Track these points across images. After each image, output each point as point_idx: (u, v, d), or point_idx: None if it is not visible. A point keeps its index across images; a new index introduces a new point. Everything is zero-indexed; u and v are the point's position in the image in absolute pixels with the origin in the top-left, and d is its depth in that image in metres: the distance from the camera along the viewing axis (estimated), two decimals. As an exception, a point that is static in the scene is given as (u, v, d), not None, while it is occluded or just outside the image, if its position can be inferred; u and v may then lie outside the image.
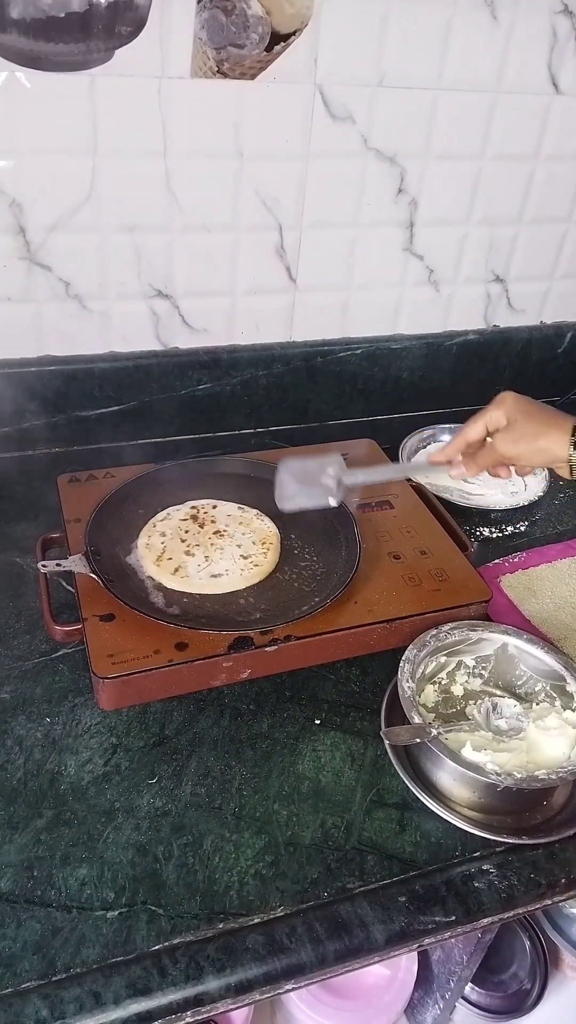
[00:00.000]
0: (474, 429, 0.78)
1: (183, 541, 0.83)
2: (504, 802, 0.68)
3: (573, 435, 0.73)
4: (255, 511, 0.89)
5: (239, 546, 0.83)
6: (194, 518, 0.86)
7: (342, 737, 0.75)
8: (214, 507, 0.89)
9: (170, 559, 0.81)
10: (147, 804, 0.68)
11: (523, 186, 1.12)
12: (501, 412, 0.77)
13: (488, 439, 0.79)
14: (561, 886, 0.65)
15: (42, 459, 1.06)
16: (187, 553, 0.82)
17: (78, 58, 0.83)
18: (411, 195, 1.06)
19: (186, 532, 0.84)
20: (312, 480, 0.80)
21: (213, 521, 0.86)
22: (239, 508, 0.89)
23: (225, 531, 0.85)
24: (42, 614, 0.78)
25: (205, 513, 0.87)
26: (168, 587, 0.79)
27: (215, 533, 0.85)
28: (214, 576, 0.80)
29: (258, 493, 0.92)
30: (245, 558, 0.82)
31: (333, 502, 0.79)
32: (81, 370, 1.03)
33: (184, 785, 0.69)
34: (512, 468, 0.80)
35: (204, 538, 0.84)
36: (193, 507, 0.88)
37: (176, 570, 0.80)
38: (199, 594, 0.79)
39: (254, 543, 0.84)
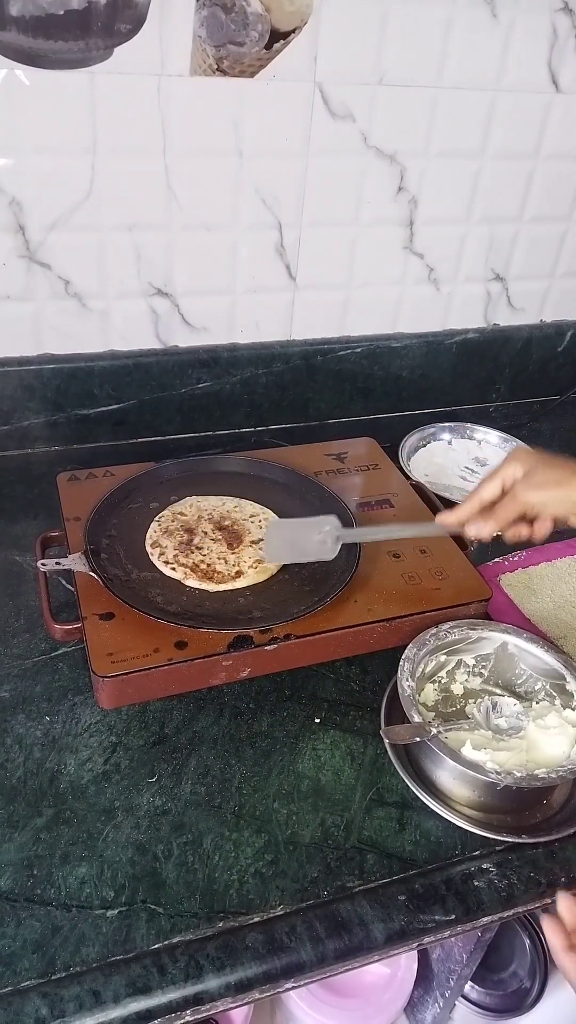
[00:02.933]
0: (490, 487, 0.74)
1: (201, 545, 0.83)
2: (504, 801, 0.68)
3: None
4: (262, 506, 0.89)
5: (253, 543, 0.84)
6: (211, 519, 0.86)
7: (342, 736, 0.75)
8: (236, 507, 0.89)
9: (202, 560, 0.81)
10: (147, 803, 0.68)
11: (523, 184, 1.12)
12: (517, 464, 0.73)
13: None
14: (561, 885, 0.65)
15: (42, 457, 1.06)
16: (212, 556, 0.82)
17: (77, 56, 0.83)
18: (411, 193, 1.06)
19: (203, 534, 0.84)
20: (305, 538, 0.79)
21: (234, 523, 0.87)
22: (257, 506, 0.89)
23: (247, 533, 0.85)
24: (42, 613, 0.78)
25: (227, 511, 0.88)
26: (187, 585, 0.79)
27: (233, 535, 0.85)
28: (234, 575, 0.80)
29: (258, 491, 0.91)
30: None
31: (329, 556, 0.79)
32: (81, 368, 1.03)
33: (184, 784, 0.69)
34: (532, 529, 0.76)
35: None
36: (212, 507, 0.88)
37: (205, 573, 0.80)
38: (199, 591, 0.79)
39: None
